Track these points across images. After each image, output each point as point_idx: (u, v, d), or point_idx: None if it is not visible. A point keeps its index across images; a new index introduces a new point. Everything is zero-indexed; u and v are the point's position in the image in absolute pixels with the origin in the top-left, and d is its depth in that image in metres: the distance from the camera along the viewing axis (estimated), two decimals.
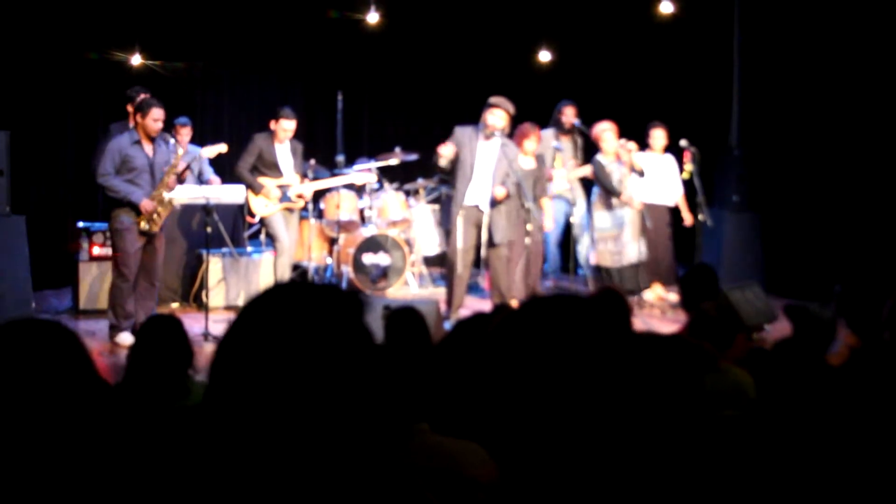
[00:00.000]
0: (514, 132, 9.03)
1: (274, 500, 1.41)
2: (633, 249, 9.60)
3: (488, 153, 8.56)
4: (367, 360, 1.50)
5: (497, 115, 8.49)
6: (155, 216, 8.10)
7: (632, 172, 9.52)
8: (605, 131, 9.63)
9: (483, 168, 8.57)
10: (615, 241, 9.58)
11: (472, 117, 8.74)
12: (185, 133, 10.11)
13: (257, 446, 1.42)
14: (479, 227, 8.64)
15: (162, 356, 3.99)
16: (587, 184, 10.34)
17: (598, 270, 9.66)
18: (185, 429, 1.56)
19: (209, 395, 1.50)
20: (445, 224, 8.91)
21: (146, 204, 8.01)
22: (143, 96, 8.90)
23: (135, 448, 1.83)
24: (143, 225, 8.06)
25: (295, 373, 1.44)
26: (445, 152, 8.47)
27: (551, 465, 1.48)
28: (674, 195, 10.01)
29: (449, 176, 8.89)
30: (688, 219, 10.01)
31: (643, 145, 9.86)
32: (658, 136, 9.91)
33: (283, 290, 1.55)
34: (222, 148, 9.35)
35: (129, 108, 9.14)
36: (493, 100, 8.58)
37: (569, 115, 10.38)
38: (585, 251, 10.12)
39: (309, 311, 1.49)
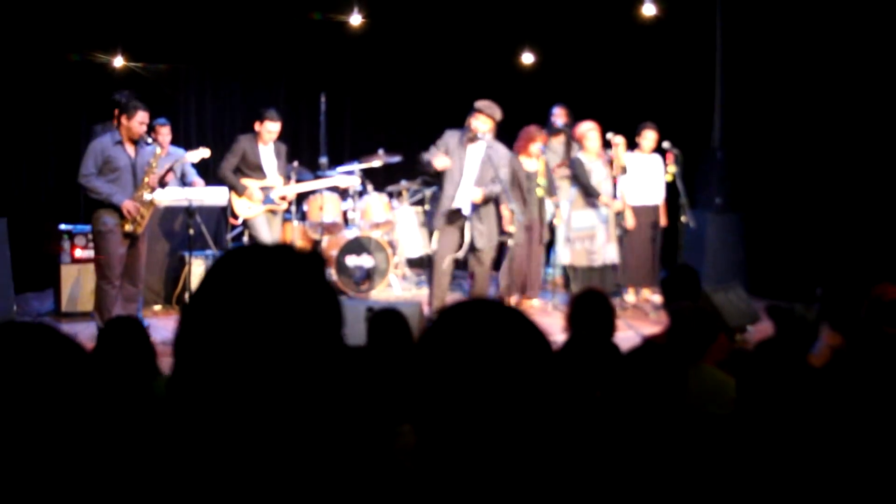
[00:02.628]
0: (518, 135, 9.07)
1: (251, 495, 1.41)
2: (611, 250, 9.63)
3: (473, 157, 8.57)
4: (331, 312, 1.51)
5: (481, 121, 8.48)
6: (139, 217, 8.06)
7: (613, 169, 9.55)
8: (589, 130, 9.67)
9: (469, 172, 8.57)
10: (591, 241, 9.60)
11: (456, 119, 8.72)
12: (165, 133, 10.09)
13: (229, 430, 1.42)
14: (461, 230, 8.65)
15: (124, 358, 3.95)
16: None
17: (573, 270, 9.65)
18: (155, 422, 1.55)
19: (174, 374, 1.49)
20: (430, 225, 8.89)
21: (128, 205, 7.97)
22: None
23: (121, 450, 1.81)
24: (128, 227, 8.02)
25: (263, 334, 1.43)
26: (440, 164, 8.44)
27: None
28: (658, 196, 10.03)
29: (434, 178, 8.89)
30: (663, 220, 10.03)
31: (631, 145, 9.89)
32: (648, 137, 9.92)
33: (239, 253, 1.55)
34: (206, 153, 9.32)
35: (117, 112, 9.06)
36: (479, 105, 8.55)
37: (556, 116, 10.48)
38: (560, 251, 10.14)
39: (268, 270, 1.50)
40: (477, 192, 8.52)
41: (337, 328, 1.51)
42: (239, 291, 1.47)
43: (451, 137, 8.59)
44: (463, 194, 8.56)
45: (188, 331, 1.48)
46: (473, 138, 8.51)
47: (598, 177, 9.63)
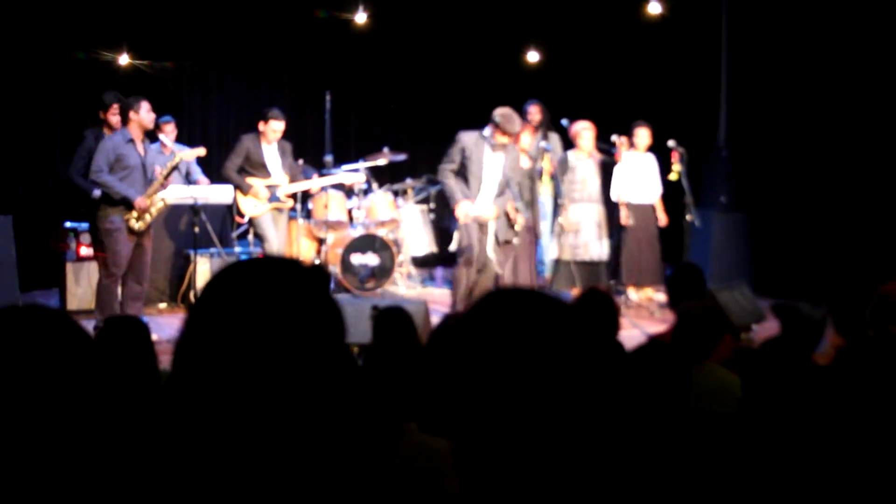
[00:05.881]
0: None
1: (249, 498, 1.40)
2: (595, 247, 9.55)
3: (495, 165, 8.41)
4: (335, 328, 1.49)
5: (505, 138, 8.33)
6: (147, 215, 8.08)
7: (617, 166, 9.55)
8: (583, 130, 9.63)
9: (490, 179, 8.43)
10: (575, 236, 9.54)
11: (460, 117, 8.68)
12: (170, 130, 10.10)
13: (228, 438, 1.41)
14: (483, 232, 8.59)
15: (124, 358, 3.92)
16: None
17: (557, 263, 9.62)
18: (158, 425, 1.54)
19: (172, 379, 1.48)
20: (448, 223, 8.69)
21: (140, 201, 7.99)
22: (117, 105, 8.63)
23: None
24: (133, 223, 8.03)
25: (263, 350, 1.42)
26: (464, 215, 8.33)
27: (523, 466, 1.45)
28: (653, 195, 9.98)
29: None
30: (662, 219, 9.99)
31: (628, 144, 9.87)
32: (642, 135, 9.90)
33: (244, 266, 1.53)
34: (201, 151, 9.30)
35: (102, 115, 8.85)
36: (504, 123, 8.29)
37: (531, 114, 10.22)
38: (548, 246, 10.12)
39: (272, 284, 1.48)
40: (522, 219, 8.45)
41: (339, 340, 1.50)
42: (241, 302, 1.46)
43: (468, 140, 8.31)
44: (484, 200, 8.41)
45: (189, 339, 1.47)
46: (502, 147, 8.35)
47: (584, 174, 9.57)
